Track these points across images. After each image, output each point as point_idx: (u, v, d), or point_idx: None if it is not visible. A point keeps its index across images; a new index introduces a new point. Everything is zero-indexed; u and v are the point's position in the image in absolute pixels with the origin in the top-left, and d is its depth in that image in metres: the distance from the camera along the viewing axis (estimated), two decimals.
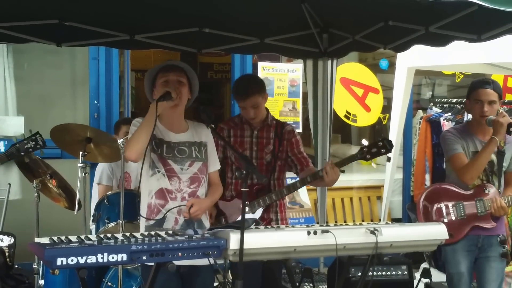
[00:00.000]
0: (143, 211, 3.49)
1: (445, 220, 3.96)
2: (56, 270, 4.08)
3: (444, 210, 4.02)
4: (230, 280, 4.40)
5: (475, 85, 4.03)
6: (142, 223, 3.50)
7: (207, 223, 3.60)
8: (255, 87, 4.12)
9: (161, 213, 3.43)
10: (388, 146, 3.90)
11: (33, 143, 3.58)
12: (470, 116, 6.48)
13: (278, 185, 4.26)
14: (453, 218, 3.99)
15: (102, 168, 5.11)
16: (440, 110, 7.07)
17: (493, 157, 4.02)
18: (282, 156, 4.23)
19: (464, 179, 3.96)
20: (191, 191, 3.48)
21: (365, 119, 7.44)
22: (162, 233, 2.97)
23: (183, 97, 3.45)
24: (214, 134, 3.68)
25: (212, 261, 3.00)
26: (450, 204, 4.02)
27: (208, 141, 3.62)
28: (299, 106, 6.91)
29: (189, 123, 3.61)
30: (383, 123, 7.54)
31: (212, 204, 3.73)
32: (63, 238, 2.76)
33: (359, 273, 4.43)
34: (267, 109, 4.28)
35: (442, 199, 4.05)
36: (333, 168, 3.88)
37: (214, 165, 3.67)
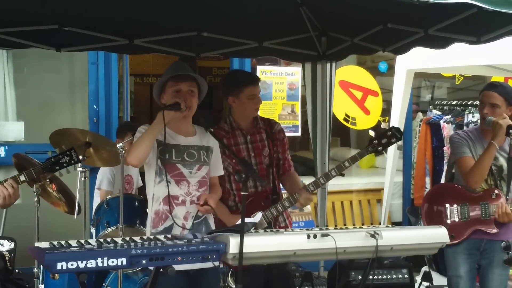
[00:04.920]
0: (150, 218, 3.47)
1: (448, 221, 3.96)
2: (56, 274, 4.07)
3: (448, 210, 4.01)
4: (230, 285, 4.39)
5: (482, 88, 4.04)
6: (148, 230, 3.46)
7: (213, 224, 3.60)
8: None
9: (169, 219, 3.40)
10: (397, 134, 3.89)
11: (68, 158, 3.62)
12: (470, 118, 6.54)
13: (278, 186, 4.23)
14: (457, 219, 3.98)
15: (103, 173, 5.10)
16: (440, 113, 7.08)
17: (503, 162, 4.00)
18: (277, 157, 4.21)
19: (469, 183, 3.95)
20: (199, 194, 3.47)
21: (364, 122, 7.45)
22: (161, 237, 2.97)
23: (193, 107, 3.45)
24: (214, 138, 3.67)
25: (217, 264, 2.99)
26: (455, 205, 4.01)
27: (215, 146, 3.61)
28: (298, 109, 6.91)
29: (196, 128, 3.59)
30: (383, 126, 7.54)
31: (218, 199, 3.69)
32: (63, 242, 2.77)
33: (360, 277, 4.42)
34: None
35: (448, 199, 4.04)
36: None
37: (218, 170, 3.66)
